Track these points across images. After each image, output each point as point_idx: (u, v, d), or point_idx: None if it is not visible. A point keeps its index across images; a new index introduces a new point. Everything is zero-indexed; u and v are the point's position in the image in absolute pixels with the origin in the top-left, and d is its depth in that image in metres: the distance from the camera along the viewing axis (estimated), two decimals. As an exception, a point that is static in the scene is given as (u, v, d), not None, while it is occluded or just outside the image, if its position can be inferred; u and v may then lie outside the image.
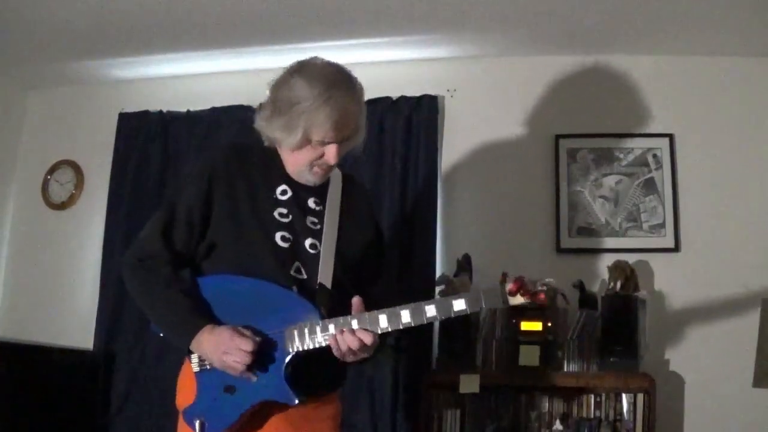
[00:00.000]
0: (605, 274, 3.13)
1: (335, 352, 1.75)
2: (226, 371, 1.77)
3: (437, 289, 3.24)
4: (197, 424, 1.74)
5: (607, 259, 3.18)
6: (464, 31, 3.45)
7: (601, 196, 3.45)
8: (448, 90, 3.66)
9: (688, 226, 3.36)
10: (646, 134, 3.46)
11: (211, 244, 1.89)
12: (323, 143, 1.85)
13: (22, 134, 4.20)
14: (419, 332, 2.86)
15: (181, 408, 1.87)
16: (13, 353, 3.45)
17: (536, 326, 3.06)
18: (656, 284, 3.30)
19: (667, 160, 3.42)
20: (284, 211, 1.90)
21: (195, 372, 1.84)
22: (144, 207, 3.79)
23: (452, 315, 1.70)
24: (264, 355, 1.76)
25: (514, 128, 3.57)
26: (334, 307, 1.80)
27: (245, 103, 3.79)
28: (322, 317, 1.77)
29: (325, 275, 1.86)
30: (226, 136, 3.76)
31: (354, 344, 1.72)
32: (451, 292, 3.14)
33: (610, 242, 3.39)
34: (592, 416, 3.05)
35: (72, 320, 3.81)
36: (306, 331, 1.76)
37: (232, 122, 3.77)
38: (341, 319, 1.75)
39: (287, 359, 1.76)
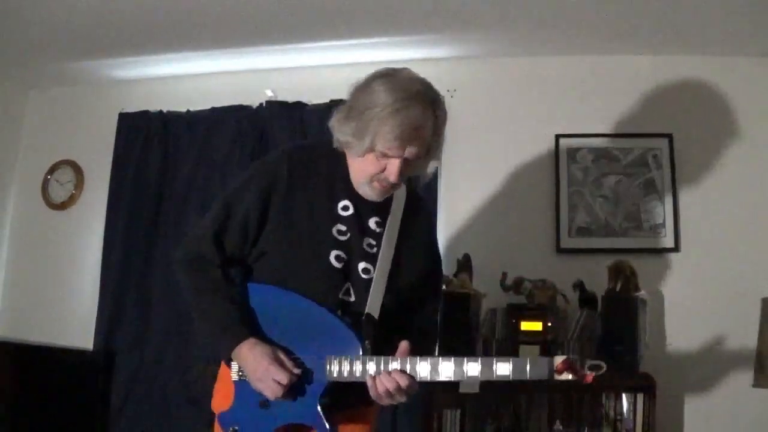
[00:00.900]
0: (605, 274, 3.13)
1: (371, 392, 1.70)
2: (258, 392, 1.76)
3: (437, 289, 3.23)
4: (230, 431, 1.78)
5: (607, 259, 3.17)
6: (465, 31, 3.45)
7: (601, 196, 3.45)
8: (448, 90, 3.64)
9: (688, 226, 3.36)
10: (646, 134, 3.46)
11: (263, 251, 1.84)
12: (386, 156, 1.74)
13: (22, 134, 4.20)
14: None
15: (217, 411, 1.85)
16: (13, 353, 3.45)
17: (536, 326, 3.06)
18: (656, 284, 3.30)
19: (667, 160, 3.42)
20: (343, 228, 1.82)
21: (234, 380, 1.82)
22: (144, 207, 3.80)
23: (493, 377, 1.64)
24: (300, 380, 1.74)
25: (514, 128, 3.57)
26: (378, 338, 1.76)
27: (245, 103, 3.80)
28: (365, 351, 1.72)
29: (373, 305, 1.79)
30: (226, 136, 3.77)
31: (390, 385, 1.66)
32: (452, 291, 3.14)
33: (610, 242, 3.38)
34: (592, 416, 3.05)
35: (72, 320, 3.81)
36: (346, 364, 1.71)
37: (232, 122, 3.78)
38: (381, 359, 1.69)
39: (323, 389, 1.73)
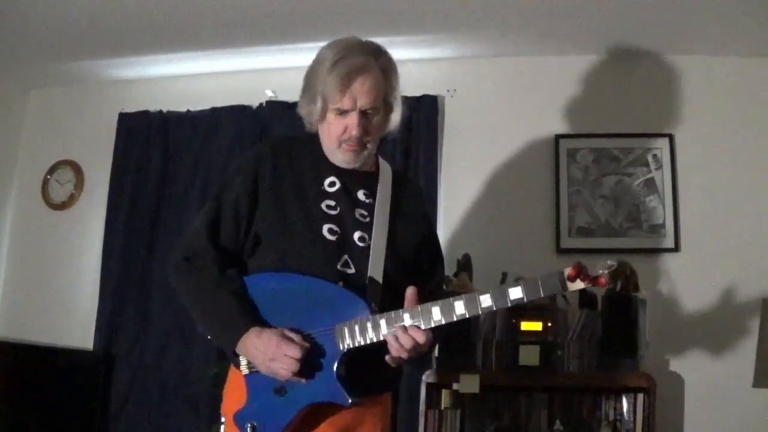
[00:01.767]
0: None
1: (391, 350, 1.68)
2: (273, 376, 1.71)
3: (437, 289, 3.23)
4: (248, 428, 1.71)
5: (607, 259, 3.16)
6: (464, 31, 3.45)
7: (601, 196, 3.45)
8: (448, 90, 3.66)
9: (688, 226, 3.36)
10: (646, 134, 3.46)
11: (257, 238, 1.83)
12: (343, 112, 1.78)
13: (22, 134, 4.20)
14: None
15: (231, 414, 1.79)
16: (13, 353, 3.45)
17: (536, 326, 3.06)
18: (656, 284, 3.30)
19: (667, 160, 3.42)
20: (332, 203, 1.83)
21: (245, 374, 1.77)
22: (144, 207, 3.80)
23: (509, 304, 1.62)
24: (314, 355, 1.70)
25: (514, 128, 3.57)
26: (385, 302, 1.74)
27: (245, 103, 3.80)
28: (373, 312, 1.70)
29: (375, 270, 1.78)
30: (226, 136, 3.77)
31: (407, 343, 1.65)
32: (451, 292, 3.14)
33: (610, 242, 3.38)
34: (592, 416, 3.05)
35: (72, 320, 3.82)
36: (356, 327, 1.69)
37: (232, 122, 3.78)
38: (393, 314, 1.68)
39: (338, 358, 1.69)
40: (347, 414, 1.76)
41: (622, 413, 3.02)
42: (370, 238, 1.82)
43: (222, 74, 3.89)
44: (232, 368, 1.84)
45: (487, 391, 3.07)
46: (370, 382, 1.76)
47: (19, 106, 4.20)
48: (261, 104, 3.78)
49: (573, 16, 3.22)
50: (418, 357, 1.74)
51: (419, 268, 1.91)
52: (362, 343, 1.69)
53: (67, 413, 3.46)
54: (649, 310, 3.13)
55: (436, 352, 3.25)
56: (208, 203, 1.88)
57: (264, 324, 1.74)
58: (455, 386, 3.07)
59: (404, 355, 1.69)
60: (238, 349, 1.74)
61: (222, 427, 1.84)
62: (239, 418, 1.76)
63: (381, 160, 1.98)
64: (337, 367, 1.69)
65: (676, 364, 3.23)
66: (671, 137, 3.44)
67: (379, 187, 1.90)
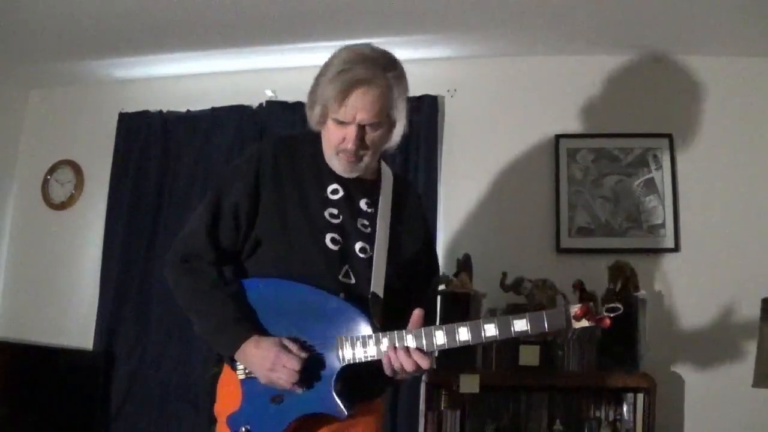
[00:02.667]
0: (605, 274, 3.13)
1: (386, 369, 1.68)
2: (271, 386, 1.70)
3: (437, 289, 3.23)
4: (242, 431, 1.70)
5: (607, 259, 3.17)
6: (464, 31, 3.45)
7: (601, 196, 3.45)
8: (448, 90, 3.66)
9: (688, 226, 3.36)
10: (646, 134, 3.46)
11: (257, 242, 1.80)
12: (341, 123, 1.74)
13: (22, 134, 4.20)
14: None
15: (224, 415, 1.77)
16: (13, 353, 3.45)
17: (536, 326, 3.06)
18: (656, 284, 3.30)
19: (667, 160, 3.42)
20: (335, 211, 1.81)
21: (240, 379, 1.76)
22: (144, 207, 3.80)
23: (512, 335, 1.63)
24: (312, 367, 1.68)
25: (514, 128, 3.57)
26: (385, 316, 1.73)
27: (245, 103, 3.80)
28: (375, 329, 1.69)
29: (377, 283, 1.77)
30: (226, 136, 3.77)
31: (408, 366, 1.65)
32: (451, 292, 3.14)
33: (610, 242, 3.38)
34: (592, 416, 3.05)
35: (72, 320, 3.82)
36: (359, 343, 1.68)
37: (232, 122, 3.78)
38: (396, 333, 1.66)
39: (336, 372, 1.69)
40: (342, 423, 1.74)
41: (622, 413, 3.02)
42: (370, 249, 1.80)
43: (222, 74, 3.89)
44: (227, 368, 1.83)
45: (487, 391, 3.07)
46: (361, 391, 1.76)
47: (19, 106, 4.20)
48: (261, 104, 3.78)
49: (573, 16, 3.22)
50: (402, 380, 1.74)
51: (417, 274, 1.91)
52: (362, 359, 1.68)
53: (67, 413, 3.46)
54: (649, 310, 3.14)
55: (435, 352, 3.26)
56: (206, 202, 1.84)
57: (263, 331, 1.72)
58: (455, 386, 3.07)
59: (398, 377, 1.70)
60: (237, 356, 1.72)
61: (215, 426, 1.83)
62: (232, 421, 1.74)
63: (383, 165, 1.96)
64: (335, 381, 1.69)
65: (676, 364, 3.23)
66: (671, 137, 3.44)
67: (381, 197, 1.88)
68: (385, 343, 1.66)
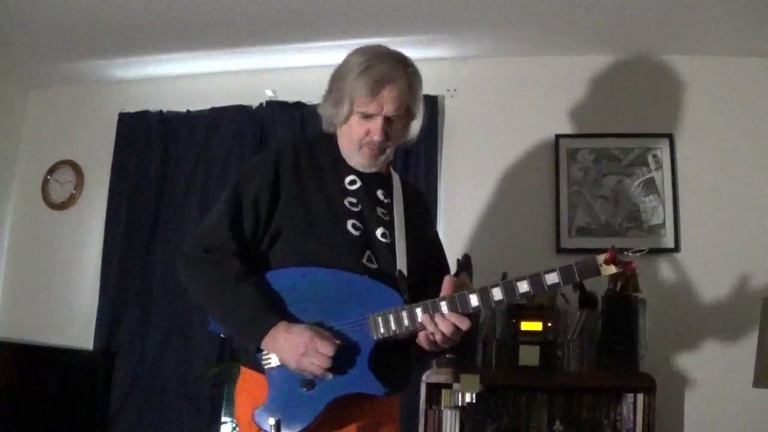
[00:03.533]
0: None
1: (423, 341, 1.71)
2: (302, 372, 1.69)
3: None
4: (271, 422, 1.63)
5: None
6: (464, 31, 3.45)
7: (601, 196, 3.45)
8: (448, 90, 3.66)
9: (688, 226, 3.36)
10: (646, 134, 3.46)
11: (278, 232, 1.83)
12: (367, 116, 1.83)
13: (22, 134, 4.20)
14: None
15: (247, 415, 1.75)
16: (13, 353, 3.45)
17: (536, 326, 3.06)
18: (656, 284, 3.30)
19: (667, 160, 3.42)
20: (354, 200, 1.86)
21: (266, 368, 1.74)
22: (144, 207, 3.80)
23: (546, 289, 1.67)
24: (345, 348, 1.68)
25: (514, 128, 3.57)
26: (412, 296, 1.76)
27: (245, 103, 3.80)
28: (406, 302, 1.72)
29: (401, 263, 1.82)
30: (226, 136, 3.77)
31: (447, 329, 1.67)
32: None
33: (610, 242, 3.36)
34: (592, 416, 3.05)
35: (72, 320, 3.81)
36: (391, 317, 1.69)
37: (232, 122, 3.78)
38: (429, 303, 1.69)
39: (371, 348, 1.69)
40: (371, 413, 1.76)
41: (622, 413, 3.02)
42: (391, 235, 1.85)
43: (222, 74, 3.89)
44: (245, 371, 1.82)
45: (487, 391, 3.07)
46: (392, 378, 1.75)
47: (19, 106, 4.20)
48: (261, 104, 3.78)
49: (573, 16, 3.22)
50: (455, 344, 1.75)
51: (430, 267, 1.95)
52: (398, 332, 1.70)
53: (67, 413, 3.46)
54: (649, 310, 3.14)
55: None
56: (226, 197, 1.86)
57: (292, 318, 1.72)
58: (455, 386, 3.08)
59: (437, 347, 1.72)
60: (264, 344, 1.71)
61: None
62: (260, 415, 1.71)
63: (392, 170, 2.04)
64: (370, 358, 1.69)
65: (676, 364, 3.23)
66: (671, 137, 3.44)
67: (394, 190, 1.95)
68: (418, 312, 1.69)
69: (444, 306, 1.68)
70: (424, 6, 3.20)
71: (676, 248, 3.34)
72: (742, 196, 3.34)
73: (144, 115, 3.92)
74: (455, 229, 3.52)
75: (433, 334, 1.69)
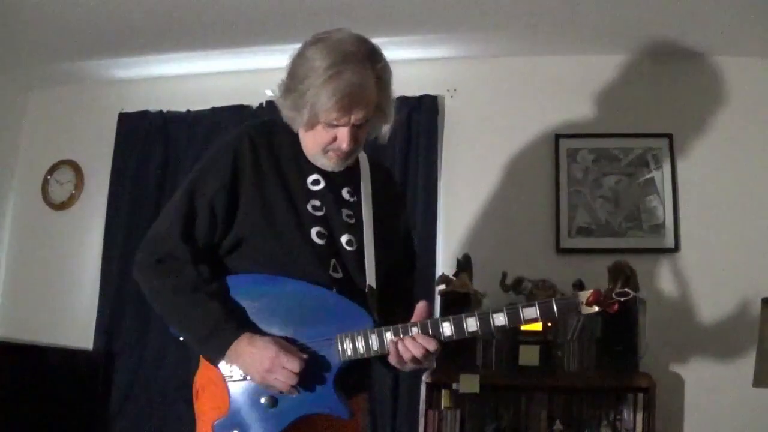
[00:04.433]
0: (605, 274, 3.13)
1: (393, 360, 1.63)
2: (266, 388, 1.62)
3: (437, 288, 3.24)
4: None
5: (607, 259, 3.17)
6: (464, 31, 3.45)
7: (601, 196, 3.45)
8: (448, 90, 3.66)
9: (688, 226, 3.36)
10: (646, 134, 3.46)
11: (239, 238, 1.71)
12: (332, 125, 1.67)
13: (22, 134, 4.20)
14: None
15: (211, 421, 1.65)
16: (13, 353, 3.45)
17: (536, 326, 3.06)
18: (656, 284, 3.30)
19: (667, 160, 3.42)
20: (317, 203, 1.74)
21: (228, 382, 1.66)
22: (144, 207, 3.80)
23: (522, 323, 1.61)
24: (311, 366, 1.60)
25: (514, 128, 3.57)
26: (380, 308, 1.69)
27: (245, 103, 3.80)
28: (376, 323, 1.64)
29: (371, 276, 1.72)
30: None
31: (417, 352, 1.60)
32: (451, 291, 3.14)
33: (610, 242, 3.38)
34: (592, 416, 3.05)
35: (72, 320, 3.81)
36: (359, 339, 1.61)
37: (232, 122, 3.77)
38: (400, 327, 1.61)
39: (337, 369, 1.62)
40: (335, 423, 1.68)
41: (622, 413, 3.02)
42: (357, 242, 1.75)
43: (222, 74, 3.89)
44: (209, 369, 1.70)
45: (487, 391, 3.07)
46: (351, 385, 1.69)
47: (19, 106, 4.19)
48: (261, 104, 3.78)
49: (573, 16, 3.22)
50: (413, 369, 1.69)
51: (398, 261, 1.87)
52: (366, 355, 1.62)
53: (67, 413, 3.46)
54: (649, 310, 3.14)
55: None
56: (178, 199, 1.73)
57: (255, 329, 1.64)
58: (455, 386, 3.07)
59: (406, 368, 1.66)
60: (227, 356, 1.62)
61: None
62: (221, 429, 1.64)
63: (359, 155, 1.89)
64: (335, 379, 1.63)
65: (676, 364, 3.23)
66: (671, 137, 3.44)
67: (361, 183, 1.82)
68: (388, 337, 1.61)
69: (415, 331, 1.61)
70: (424, 6, 3.20)
71: (676, 248, 3.34)
72: (742, 196, 3.34)
73: (144, 115, 3.92)
74: (455, 229, 3.52)
75: (402, 356, 1.61)
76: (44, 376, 3.44)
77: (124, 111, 3.95)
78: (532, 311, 1.60)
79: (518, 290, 3.17)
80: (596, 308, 1.58)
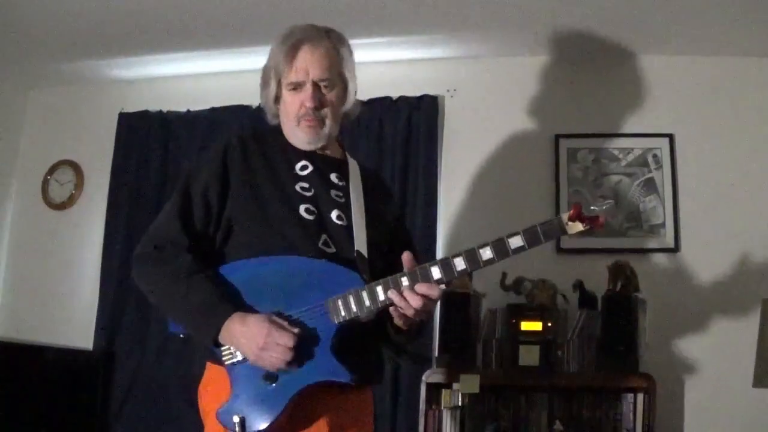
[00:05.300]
0: (605, 274, 3.13)
1: (398, 320, 1.65)
2: (263, 366, 1.61)
3: (437, 289, 3.23)
4: (236, 420, 1.58)
5: (607, 259, 3.17)
6: (464, 31, 3.45)
7: (601, 196, 3.45)
8: (448, 90, 3.66)
9: (688, 226, 3.36)
10: (646, 134, 3.46)
11: (230, 224, 1.77)
12: (296, 87, 1.79)
13: (22, 134, 4.20)
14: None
15: (212, 412, 1.66)
16: (13, 353, 3.45)
17: (536, 326, 3.06)
18: (656, 284, 3.30)
19: (667, 160, 3.42)
20: (306, 185, 1.80)
21: (226, 365, 1.66)
22: (144, 207, 3.80)
23: (510, 254, 1.59)
24: (306, 336, 1.60)
25: (514, 128, 3.56)
26: (374, 277, 1.68)
27: (245, 103, 3.80)
28: (365, 282, 1.64)
29: (360, 244, 1.75)
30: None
31: (416, 302, 1.59)
32: (452, 291, 3.14)
33: (610, 242, 3.38)
34: (592, 416, 3.05)
35: (72, 320, 3.81)
36: (351, 299, 1.62)
37: (232, 122, 3.78)
38: (389, 279, 1.61)
39: (333, 333, 1.62)
40: (343, 408, 1.69)
41: (622, 413, 3.01)
42: (347, 217, 1.79)
43: (222, 74, 3.89)
44: (211, 367, 1.74)
45: (487, 391, 3.07)
46: (357, 368, 1.66)
47: (19, 106, 4.19)
48: (261, 104, 3.77)
49: (573, 16, 3.22)
50: (421, 322, 1.70)
51: (394, 251, 1.85)
52: (359, 314, 1.63)
53: (68, 413, 3.46)
54: (649, 310, 3.14)
55: (435, 352, 3.26)
56: (176, 193, 1.81)
57: (248, 309, 1.65)
58: (455, 386, 3.07)
59: (412, 320, 1.66)
60: (222, 338, 1.64)
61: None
62: (224, 414, 1.63)
63: (348, 155, 1.97)
64: (332, 344, 1.62)
65: (676, 364, 3.23)
66: (671, 137, 3.44)
67: (350, 173, 1.89)
68: (379, 291, 1.62)
69: (405, 281, 1.61)
70: (424, 6, 3.20)
71: (676, 248, 3.34)
72: (742, 196, 3.34)
73: (144, 115, 3.92)
74: (455, 229, 3.52)
75: (403, 310, 1.62)
76: (44, 376, 3.44)
77: (124, 111, 3.95)
78: (518, 239, 1.60)
79: (518, 290, 3.17)
80: (581, 226, 1.55)
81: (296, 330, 1.61)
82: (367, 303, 1.63)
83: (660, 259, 3.35)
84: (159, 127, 3.89)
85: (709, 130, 3.43)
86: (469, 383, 3.01)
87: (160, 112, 3.91)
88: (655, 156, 3.44)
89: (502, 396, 3.12)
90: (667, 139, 3.44)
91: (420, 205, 3.48)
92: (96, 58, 3.82)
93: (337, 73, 1.83)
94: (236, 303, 1.67)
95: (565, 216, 1.56)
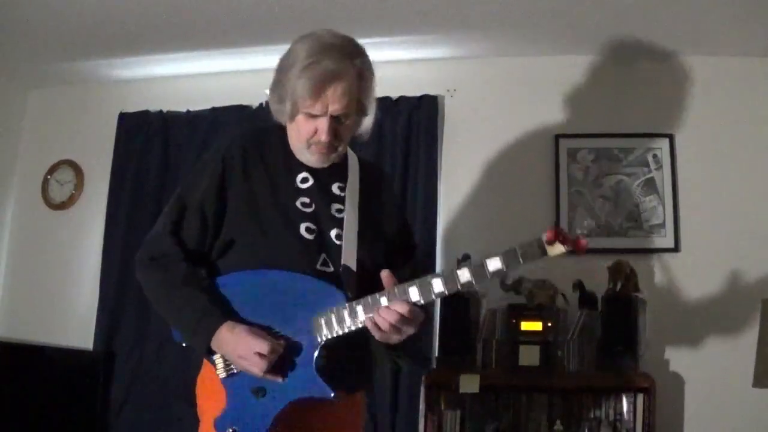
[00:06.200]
0: (605, 274, 3.13)
1: (376, 335, 1.64)
2: (245, 373, 1.67)
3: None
4: None
5: (607, 259, 3.17)
6: (464, 31, 3.45)
7: (601, 196, 3.45)
8: (448, 90, 3.66)
9: (688, 226, 3.36)
10: (646, 134, 3.46)
11: (229, 241, 1.77)
12: (313, 116, 1.72)
13: (22, 134, 4.20)
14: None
15: (210, 417, 1.71)
16: (13, 353, 3.46)
17: (536, 326, 3.06)
18: (656, 284, 3.30)
19: (667, 160, 3.42)
20: (306, 200, 1.79)
21: (222, 377, 1.72)
22: (144, 207, 3.80)
23: (488, 277, 1.58)
24: (291, 352, 1.65)
25: (514, 128, 3.56)
26: (361, 292, 1.68)
27: (245, 103, 3.80)
28: (348, 299, 1.66)
29: (348, 258, 1.74)
30: (226, 136, 3.76)
31: (392, 318, 1.59)
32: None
33: (610, 242, 3.38)
34: (592, 416, 3.05)
35: (72, 320, 3.81)
36: (333, 317, 1.64)
37: (232, 122, 3.78)
38: (369, 298, 1.63)
39: (317, 351, 1.65)
40: (330, 418, 1.72)
41: (622, 413, 3.02)
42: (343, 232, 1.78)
43: (222, 74, 3.89)
44: (206, 366, 1.77)
45: (487, 391, 3.07)
46: (345, 376, 1.71)
47: (19, 106, 4.20)
48: (261, 104, 3.77)
49: (573, 16, 3.22)
50: (411, 337, 1.69)
51: (394, 255, 1.88)
52: (340, 332, 1.65)
53: (68, 413, 3.46)
54: (649, 310, 3.14)
55: (435, 352, 3.26)
56: (172, 202, 1.82)
57: (238, 320, 1.69)
58: (455, 386, 3.07)
59: (393, 339, 1.65)
60: (214, 346, 1.68)
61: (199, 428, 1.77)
62: (220, 424, 1.69)
63: (348, 149, 1.93)
64: (315, 361, 1.65)
65: (676, 364, 3.23)
66: (671, 137, 3.44)
67: (349, 179, 1.86)
68: (359, 310, 1.63)
69: (384, 300, 1.62)
70: (423, 6, 3.20)
71: (676, 248, 3.34)
72: (742, 196, 3.34)
73: (144, 115, 3.92)
74: (455, 229, 3.52)
75: (380, 327, 1.62)
76: (44, 376, 3.44)
77: (124, 111, 3.95)
78: (497, 262, 1.58)
79: (518, 290, 3.17)
80: (562, 248, 1.53)
81: (275, 340, 1.64)
82: (348, 322, 1.65)
83: (660, 259, 3.35)
84: (159, 127, 3.89)
85: (709, 130, 3.43)
86: (469, 383, 3.01)
87: (160, 112, 3.91)
88: (655, 156, 3.44)
89: (502, 396, 3.12)
90: (667, 139, 3.44)
91: (420, 205, 3.48)
92: (96, 58, 3.82)
93: (355, 103, 1.76)
94: (228, 312, 1.71)
95: (544, 236, 1.56)
